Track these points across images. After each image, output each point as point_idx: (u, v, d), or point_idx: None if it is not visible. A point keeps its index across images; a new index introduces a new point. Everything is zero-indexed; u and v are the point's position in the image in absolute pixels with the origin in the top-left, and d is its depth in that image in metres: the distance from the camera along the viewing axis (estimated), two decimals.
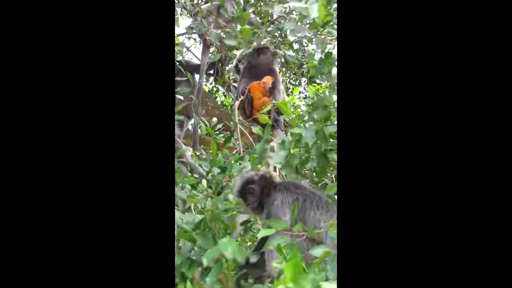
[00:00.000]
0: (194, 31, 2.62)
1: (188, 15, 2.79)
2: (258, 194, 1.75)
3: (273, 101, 2.59)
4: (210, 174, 2.04)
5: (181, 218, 1.59)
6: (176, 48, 2.75)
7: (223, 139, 3.15)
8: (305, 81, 3.19)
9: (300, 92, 3.22)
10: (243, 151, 2.47)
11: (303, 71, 3.12)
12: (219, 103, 3.39)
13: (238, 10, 2.69)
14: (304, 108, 3.07)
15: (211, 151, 2.22)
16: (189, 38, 2.86)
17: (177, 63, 2.74)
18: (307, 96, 3.14)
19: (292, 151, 1.86)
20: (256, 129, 2.14)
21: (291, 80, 3.29)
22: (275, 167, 2.11)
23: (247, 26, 2.65)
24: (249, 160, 2.01)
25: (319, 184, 1.98)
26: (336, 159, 1.73)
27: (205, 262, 1.38)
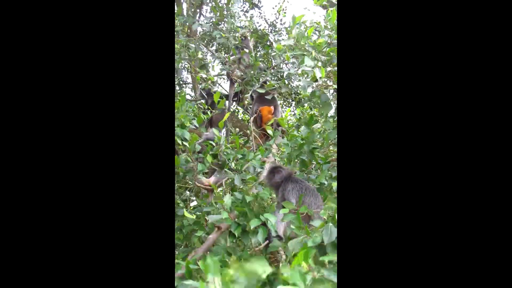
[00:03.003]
0: (223, 72, 4.24)
1: (220, 63, 4.41)
2: (281, 176, 2.39)
3: (275, 118, 4.09)
4: (234, 159, 3.04)
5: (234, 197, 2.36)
6: (209, 83, 4.31)
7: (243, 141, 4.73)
8: (293, 104, 4.82)
9: (291, 111, 4.84)
10: (255, 148, 4.04)
11: (293, 97, 4.71)
12: (240, 118, 5.04)
13: (252, 60, 4.30)
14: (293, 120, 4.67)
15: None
16: (219, 76, 4.45)
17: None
18: (295, 114, 4.75)
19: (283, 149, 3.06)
20: (272, 134, 3.38)
21: (284, 104, 4.92)
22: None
23: (257, 69, 4.27)
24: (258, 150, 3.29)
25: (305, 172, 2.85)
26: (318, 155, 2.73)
27: (252, 226, 2.08)
